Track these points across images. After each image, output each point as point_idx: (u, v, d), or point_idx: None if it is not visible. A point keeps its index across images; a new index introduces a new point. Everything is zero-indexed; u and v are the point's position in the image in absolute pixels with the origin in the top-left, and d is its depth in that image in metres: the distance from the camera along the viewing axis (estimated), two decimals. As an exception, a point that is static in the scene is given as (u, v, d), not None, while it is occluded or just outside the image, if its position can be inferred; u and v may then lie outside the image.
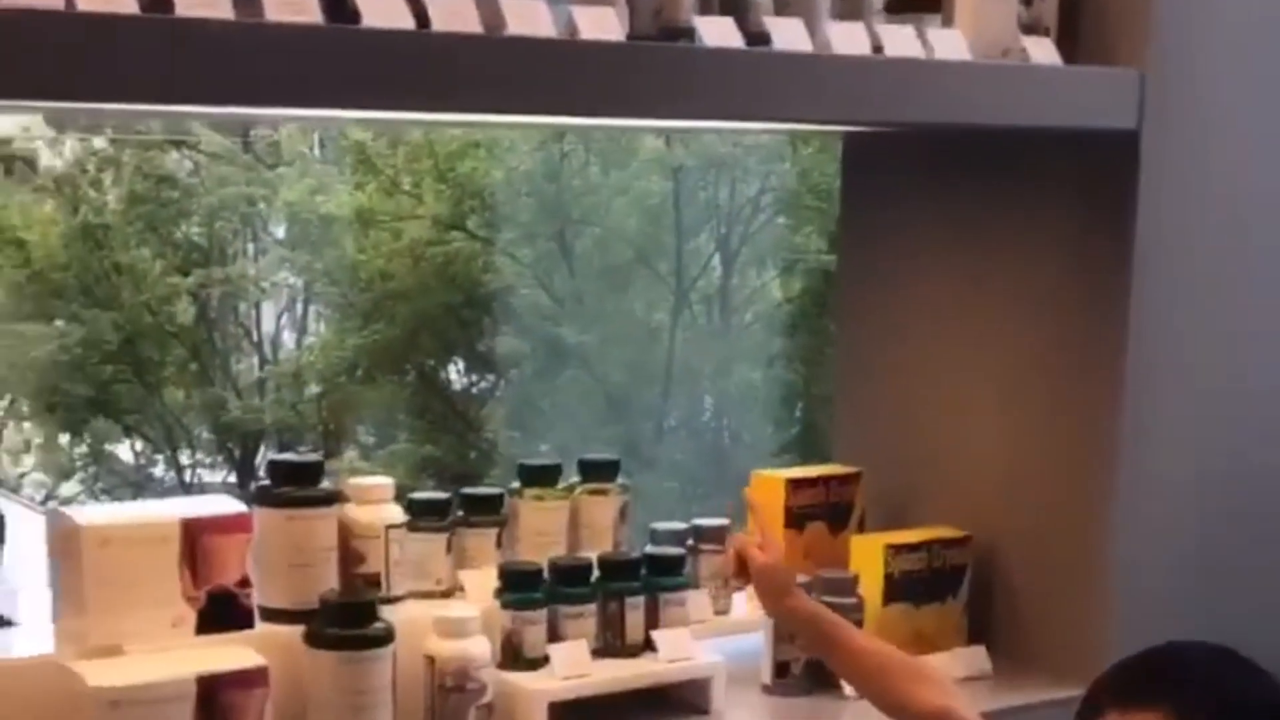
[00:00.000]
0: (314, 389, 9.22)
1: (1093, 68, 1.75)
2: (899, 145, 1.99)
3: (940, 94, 1.62)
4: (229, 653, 1.44)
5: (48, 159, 8.98)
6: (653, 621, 1.68)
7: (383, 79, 1.29)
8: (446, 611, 1.56)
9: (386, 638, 1.49)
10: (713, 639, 1.75)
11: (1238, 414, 1.91)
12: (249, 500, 1.55)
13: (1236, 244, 1.88)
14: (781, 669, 1.77)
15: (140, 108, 1.32)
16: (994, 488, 1.92)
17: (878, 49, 1.59)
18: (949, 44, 1.65)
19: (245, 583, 1.50)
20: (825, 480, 1.93)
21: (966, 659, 1.83)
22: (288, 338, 9.66)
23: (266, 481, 1.57)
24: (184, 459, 9.40)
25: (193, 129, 8.54)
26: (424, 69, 1.31)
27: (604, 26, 1.42)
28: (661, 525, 1.85)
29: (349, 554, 1.58)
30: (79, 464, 9.27)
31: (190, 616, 1.47)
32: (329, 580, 1.54)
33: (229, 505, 1.53)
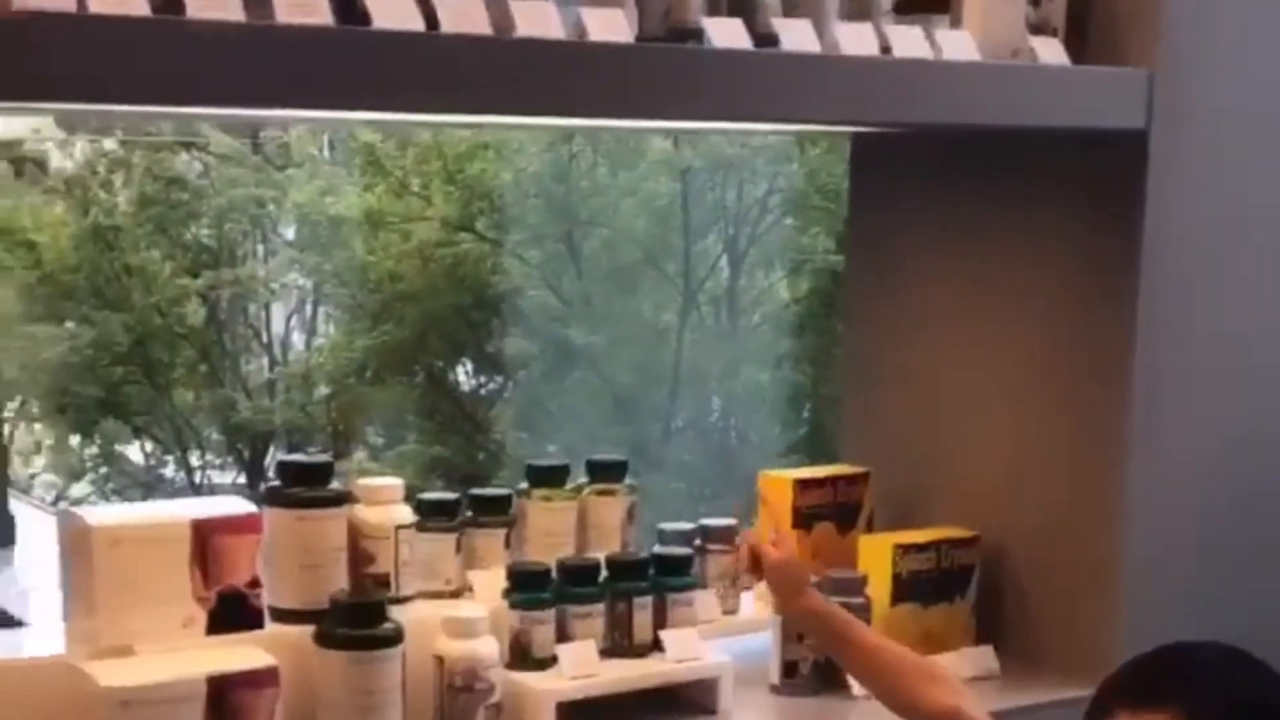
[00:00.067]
0: (323, 390, 9.23)
1: (1101, 68, 1.75)
2: (907, 146, 1.99)
3: (948, 94, 1.62)
4: (239, 653, 1.44)
5: (58, 161, 9.00)
6: (660, 621, 1.68)
7: (392, 81, 1.29)
8: (455, 612, 1.56)
9: (395, 638, 1.49)
10: (720, 639, 1.75)
11: (1246, 414, 1.91)
12: (259, 501, 1.56)
13: (1244, 243, 1.88)
14: (789, 669, 1.77)
15: (151, 109, 1.32)
16: (1002, 488, 1.92)
17: (886, 50, 1.59)
18: (957, 45, 1.65)
19: (255, 583, 1.50)
20: (833, 480, 1.93)
21: (974, 659, 1.83)
22: (297, 339, 9.68)
23: (276, 482, 1.57)
24: (194, 460, 9.42)
25: (202, 131, 8.56)
26: (433, 71, 1.31)
27: (613, 28, 1.42)
28: (669, 525, 1.86)
29: (358, 554, 1.58)
30: (89, 465, 9.29)
31: (201, 617, 1.47)
32: (339, 580, 1.55)
33: (239, 506, 1.53)
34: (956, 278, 1.97)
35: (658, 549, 1.77)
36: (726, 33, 1.49)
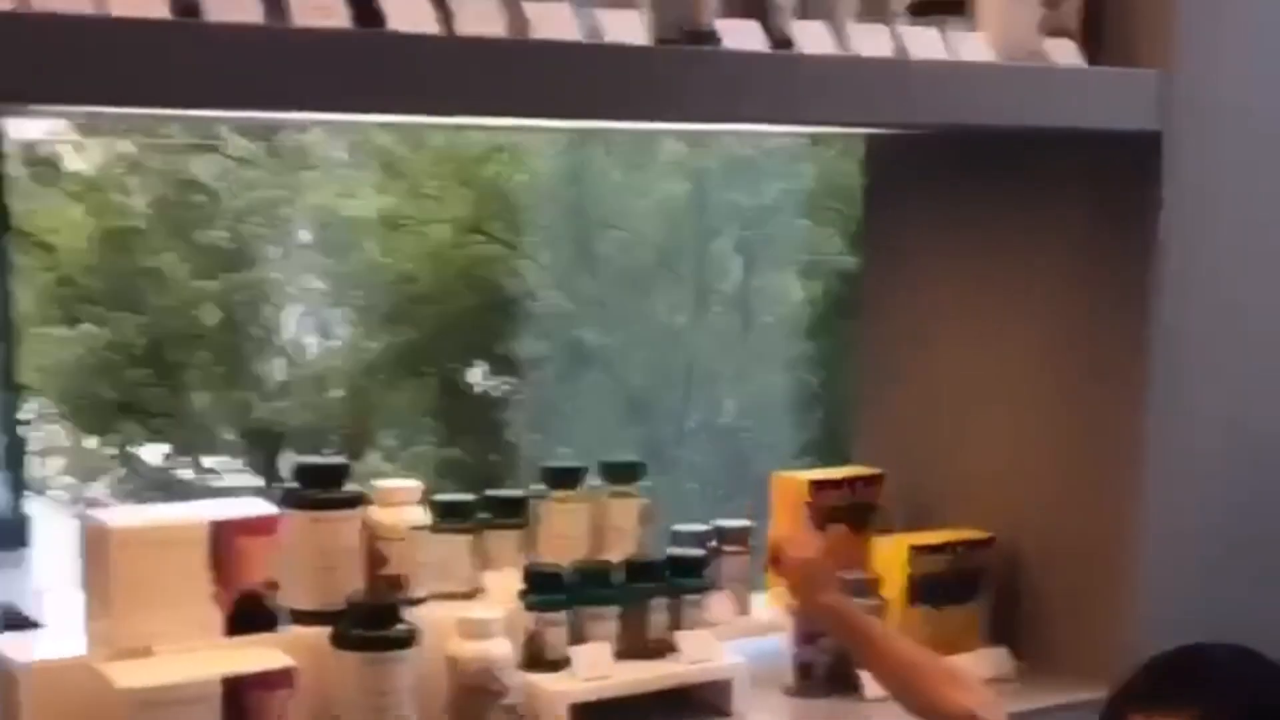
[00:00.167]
0: (338, 392, 9.25)
1: (1115, 69, 1.74)
2: (921, 146, 1.99)
3: (963, 96, 1.63)
4: (256, 654, 1.45)
5: (75, 163, 9.04)
6: (675, 623, 1.68)
7: (409, 83, 1.30)
8: (469, 613, 1.57)
9: (410, 639, 1.50)
10: (735, 640, 1.76)
11: (1261, 413, 1.90)
12: (275, 502, 1.56)
13: (1257, 244, 1.87)
14: (804, 671, 1.77)
15: (170, 112, 1.33)
16: (1016, 489, 1.92)
17: (901, 52, 1.60)
18: (972, 47, 1.65)
19: (272, 584, 1.51)
20: (848, 482, 1.93)
21: (989, 661, 1.83)
22: (312, 341, 9.70)
23: (293, 484, 1.58)
24: (209, 461, 9.45)
25: (218, 133, 8.58)
26: (450, 73, 1.32)
27: (628, 30, 1.43)
28: (683, 527, 1.86)
29: (374, 556, 1.59)
30: (106, 466, 9.33)
31: (218, 618, 1.48)
32: (354, 582, 1.55)
33: (256, 508, 1.54)
34: (971, 278, 1.97)
35: (671, 550, 1.77)
36: (742, 35, 1.49)
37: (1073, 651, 1.84)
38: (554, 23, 1.38)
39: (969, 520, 1.92)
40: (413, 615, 1.53)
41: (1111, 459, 1.81)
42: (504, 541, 1.71)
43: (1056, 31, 1.74)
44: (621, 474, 1.79)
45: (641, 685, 1.63)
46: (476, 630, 1.55)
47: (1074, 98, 1.70)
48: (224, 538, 1.48)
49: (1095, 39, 1.77)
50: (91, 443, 9.49)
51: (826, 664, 1.77)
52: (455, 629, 1.55)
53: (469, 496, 1.72)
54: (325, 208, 9.11)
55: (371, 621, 1.49)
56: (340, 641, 1.49)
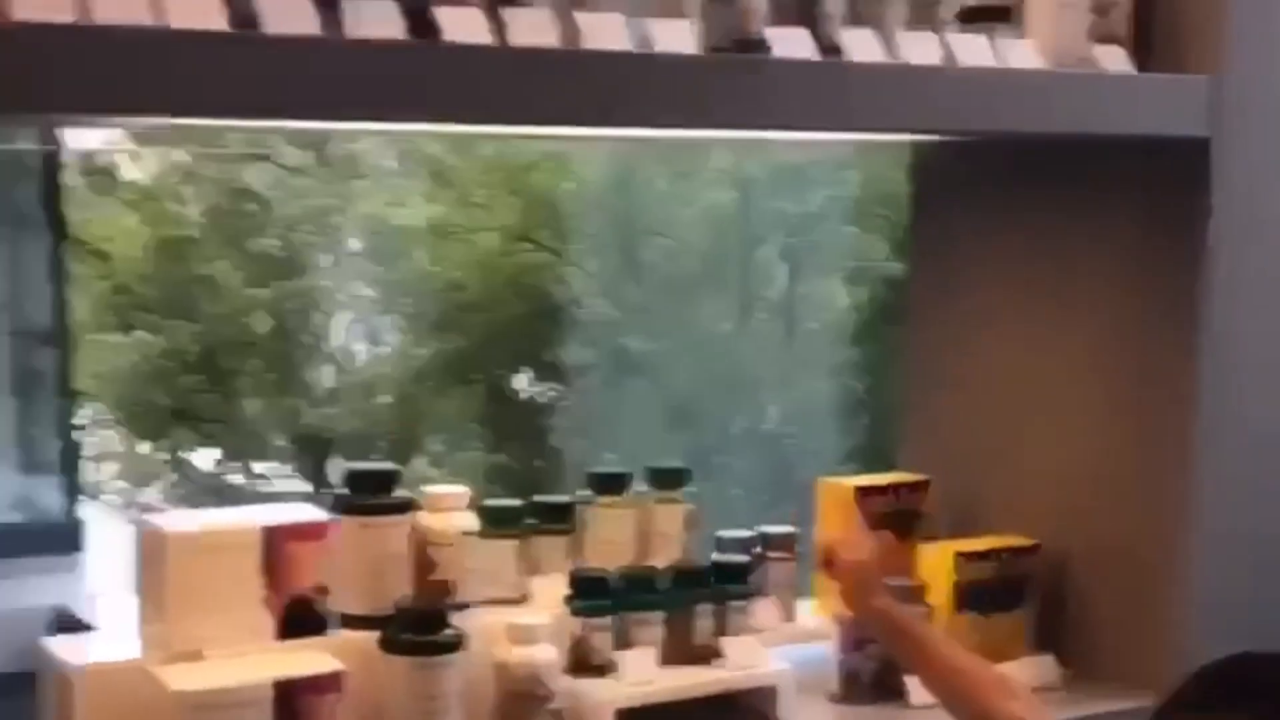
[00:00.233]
0: (386, 398, 9.31)
1: (1164, 75, 1.74)
2: (968, 152, 1.98)
3: (1013, 103, 1.62)
4: (306, 658, 1.47)
5: (131, 172, 9.15)
6: (720, 629, 1.69)
7: (463, 94, 1.32)
8: (516, 618, 1.58)
9: (457, 644, 1.51)
10: (780, 647, 1.76)
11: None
12: (324, 508, 1.58)
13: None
14: (850, 678, 1.77)
15: (230, 123, 1.35)
16: (1063, 495, 1.91)
17: (950, 59, 1.60)
18: (1021, 54, 1.65)
19: (322, 589, 1.53)
20: (894, 488, 1.93)
21: (1035, 668, 1.82)
22: (361, 348, 9.77)
23: (344, 490, 1.59)
24: (259, 467, 9.54)
25: (270, 143, 8.67)
26: (503, 83, 1.33)
27: (679, 39, 1.44)
28: (728, 533, 1.86)
29: (423, 561, 1.60)
30: (158, 471, 9.43)
31: (269, 622, 1.50)
32: (403, 587, 1.57)
33: (308, 513, 1.56)
34: (1017, 284, 1.97)
35: (716, 556, 1.78)
36: (791, 43, 1.50)
37: (1120, 659, 1.83)
38: (606, 33, 1.39)
39: (1015, 527, 1.92)
40: (460, 620, 1.54)
41: (1159, 465, 1.80)
42: (551, 547, 1.72)
43: (1106, 38, 1.73)
44: (667, 480, 1.79)
45: (687, 691, 1.64)
46: (523, 635, 1.56)
47: (1123, 104, 1.69)
48: (276, 543, 1.50)
49: (1145, 45, 1.76)
50: (144, 448, 9.60)
51: (872, 671, 1.76)
52: (502, 634, 1.57)
53: (517, 502, 1.73)
54: (375, 216, 9.18)
55: (420, 626, 1.51)
56: (389, 646, 1.50)
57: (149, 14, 1.19)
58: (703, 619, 1.68)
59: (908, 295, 2.22)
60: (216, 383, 9.19)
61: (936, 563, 1.83)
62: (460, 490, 1.64)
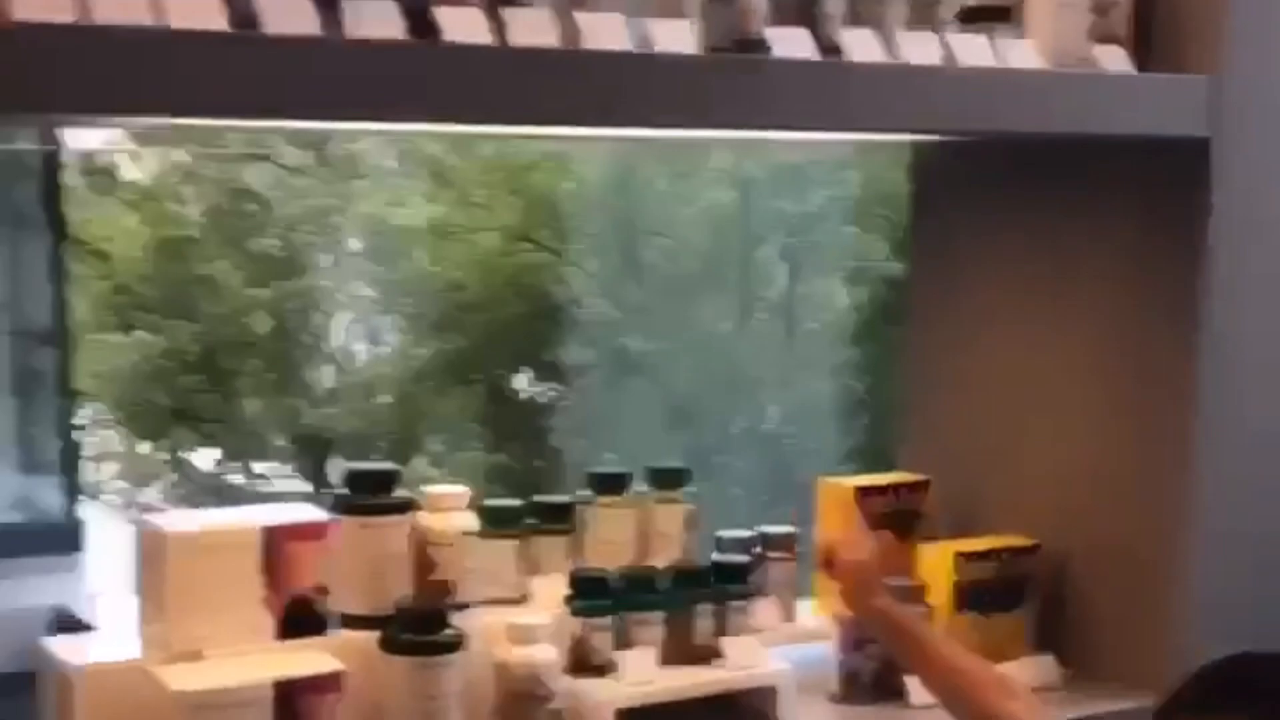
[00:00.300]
0: (386, 398, 9.31)
1: (1163, 75, 1.74)
2: (968, 152, 1.99)
3: (1013, 103, 1.63)
4: (306, 658, 1.47)
5: (131, 172, 9.15)
6: (720, 629, 1.69)
7: (463, 94, 1.32)
8: (517, 618, 1.58)
9: (458, 644, 1.51)
10: (780, 647, 1.76)
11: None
12: (324, 508, 1.58)
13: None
14: (849, 678, 1.77)
15: (227, 123, 1.36)
16: (1063, 495, 1.91)
17: (950, 59, 1.60)
18: (1021, 54, 1.65)
19: (322, 589, 1.53)
20: (894, 488, 1.93)
21: (1035, 668, 1.82)
22: (361, 348, 9.77)
23: (344, 490, 1.60)
24: (259, 467, 9.54)
25: (270, 142, 8.67)
26: (504, 83, 1.33)
27: (679, 39, 1.44)
28: (728, 533, 1.86)
29: (423, 561, 1.60)
30: (158, 471, 9.43)
31: (269, 622, 1.50)
32: (404, 587, 1.57)
33: (308, 513, 1.56)
34: (1017, 284, 1.97)
35: (716, 556, 1.78)
36: (792, 43, 1.50)
37: (1120, 659, 1.83)
38: (605, 33, 1.39)
39: (1015, 527, 1.92)
40: (461, 620, 1.54)
41: (1159, 465, 1.80)
42: (551, 547, 1.72)
43: (1106, 38, 1.73)
44: (667, 480, 1.80)
45: (687, 691, 1.64)
46: (523, 635, 1.56)
47: (1123, 104, 1.69)
48: (276, 543, 1.50)
49: (1144, 45, 1.76)
50: (145, 448, 9.60)
51: (873, 671, 1.77)
52: (503, 634, 1.57)
53: (517, 502, 1.73)
54: (375, 216, 9.18)
55: (420, 626, 1.51)
56: (389, 646, 1.50)
57: (149, 14, 1.19)
58: (703, 619, 1.68)
59: (908, 295, 2.22)
60: (216, 383, 9.19)
61: (936, 563, 1.83)
62: (460, 490, 1.64)
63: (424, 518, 1.61)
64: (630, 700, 1.60)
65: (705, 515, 1.81)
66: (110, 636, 1.57)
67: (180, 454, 9.58)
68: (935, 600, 1.79)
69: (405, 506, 1.59)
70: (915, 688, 1.68)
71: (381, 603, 1.54)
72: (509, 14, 1.35)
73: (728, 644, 1.68)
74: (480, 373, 9.43)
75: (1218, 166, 1.74)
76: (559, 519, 1.74)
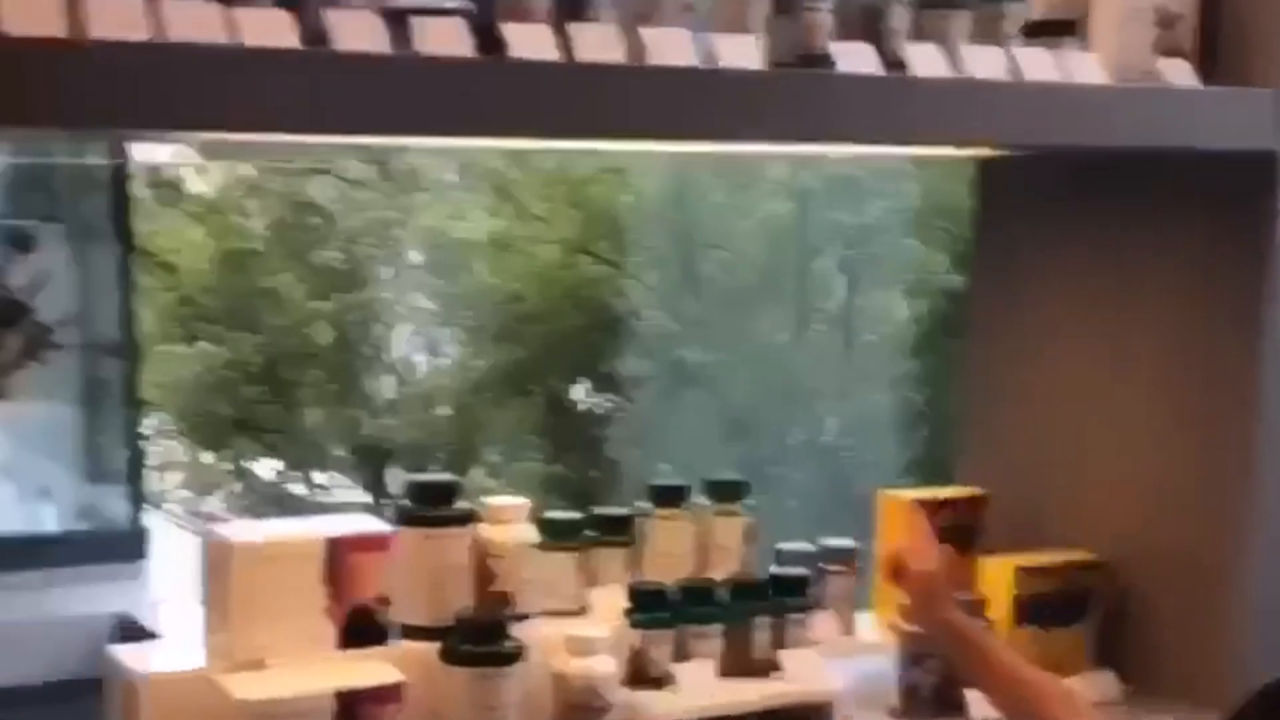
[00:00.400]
0: (445, 409, 9.36)
1: (1229, 89, 1.72)
2: (1032, 166, 1.98)
3: (1079, 117, 1.62)
4: (367, 668, 1.48)
5: (196, 185, 9.28)
6: (779, 642, 1.69)
7: (530, 109, 1.33)
8: (575, 630, 1.59)
9: (517, 655, 1.52)
10: (839, 661, 1.75)
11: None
12: (384, 518, 1.60)
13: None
14: (909, 692, 1.76)
15: (299, 138, 1.38)
16: (1127, 508, 1.89)
17: (1015, 73, 1.59)
18: (1086, 68, 1.64)
19: (384, 599, 1.54)
20: (954, 502, 1.92)
21: (1096, 684, 1.81)
22: (421, 359, 9.84)
23: (405, 501, 1.61)
24: (319, 477, 9.62)
25: (332, 157, 8.75)
26: (570, 98, 1.35)
27: (743, 54, 1.44)
28: (787, 546, 1.86)
29: (483, 572, 1.61)
30: (221, 480, 9.54)
31: (331, 632, 1.52)
32: (464, 598, 1.58)
33: (370, 524, 1.58)
34: (1080, 298, 1.95)
35: (775, 569, 1.78)
36: (856, 58, 1.50)
37: (1182, 675, 1.81)
38: (671, 48, 1.40)
39: (1076, 541, 1.90)
40: (520, 631, 1.55)
41: (1223, 478, 1.78)
42: (610, 559, 1.73)
43: (1171, 51, 1.72)
44: (726, 492, 1.80)
45: (745, 704, 1.64)
46: (582, 647, 1.56)
47: (1188, 118, 1.68)
48: (339, 553, 1.52)
49: (1210, 59, 1.74)
50: (208, 458, 9.71)
51: (932, 685, 1.75)
52: (561, 645, 1.57)
53: (576, 515, 1.74)
54: (436, 229, 9.25)
55: (480, 637, 1.52)
56: (449, 656, 1.52)
57: (223, 32, 1.21)
58: (761, 632, 1.68)
59: (968, 308, 2.21)
60: (278, 393, 9.28)
61: (997, 577, 1.82)
62: (521, 502, 1.66)
63: (484, 529, 1.62)
64: (688, 713, 1.60)
65: (762, 527, 1.81)
66: (174, 644, 1.60)
67: (242, 464, 9.69)
68: (995, 614, 1.78)
69: (466, 518, 1.60)
70: (975, 702, 1.67)
71: (442, 614, 1.55)
72: (575, 29, 1.37)
73: (786, 657, 1.67)
74: (538, 384, 9.46)
75: (1285, 180, 1.72)
76: (618, 531, 1.75)
